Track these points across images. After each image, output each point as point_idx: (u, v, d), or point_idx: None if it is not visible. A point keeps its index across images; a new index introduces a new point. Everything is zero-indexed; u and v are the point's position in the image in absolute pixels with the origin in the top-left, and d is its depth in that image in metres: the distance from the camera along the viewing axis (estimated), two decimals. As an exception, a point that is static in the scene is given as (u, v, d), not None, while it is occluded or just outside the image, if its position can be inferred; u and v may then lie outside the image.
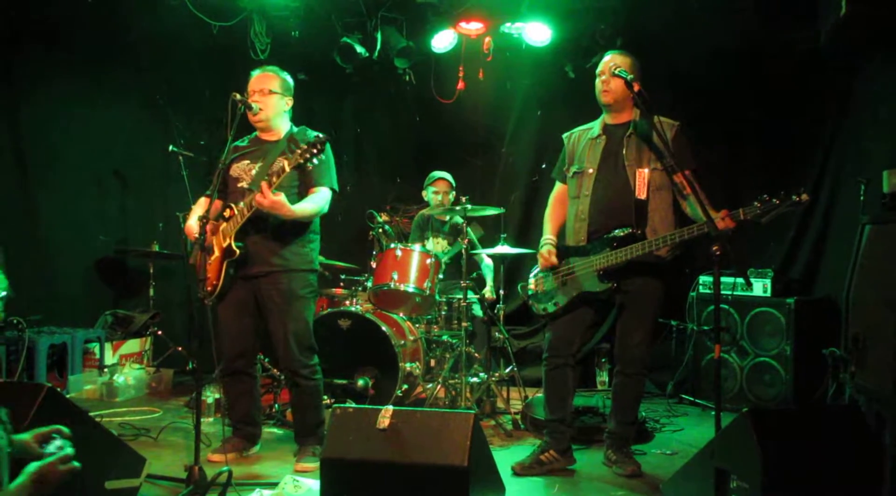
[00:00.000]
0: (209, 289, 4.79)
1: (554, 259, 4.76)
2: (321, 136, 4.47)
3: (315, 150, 4.40)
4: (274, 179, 4.48)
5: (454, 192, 6.99)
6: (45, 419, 3.31)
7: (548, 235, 4.90)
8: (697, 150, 4.69)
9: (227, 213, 4.75)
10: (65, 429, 2.71)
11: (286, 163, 4.47)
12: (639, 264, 4.50)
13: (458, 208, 5.85)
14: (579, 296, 4.65)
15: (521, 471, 4.67)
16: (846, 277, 5.26)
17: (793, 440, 3.44)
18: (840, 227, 6.26)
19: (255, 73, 4.95)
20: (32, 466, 2.45)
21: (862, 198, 5.54)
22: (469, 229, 5.94)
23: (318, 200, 4.79)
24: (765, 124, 6.95)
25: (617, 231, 4.53)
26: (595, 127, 4.83)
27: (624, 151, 4.62)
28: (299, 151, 4.42)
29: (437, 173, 7.03)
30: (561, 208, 4.94)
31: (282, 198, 4.49)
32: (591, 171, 4.70)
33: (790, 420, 3.66)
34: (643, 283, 4.61)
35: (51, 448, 2.66)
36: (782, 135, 6.85)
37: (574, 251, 4.72)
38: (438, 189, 6.96)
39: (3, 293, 2.30)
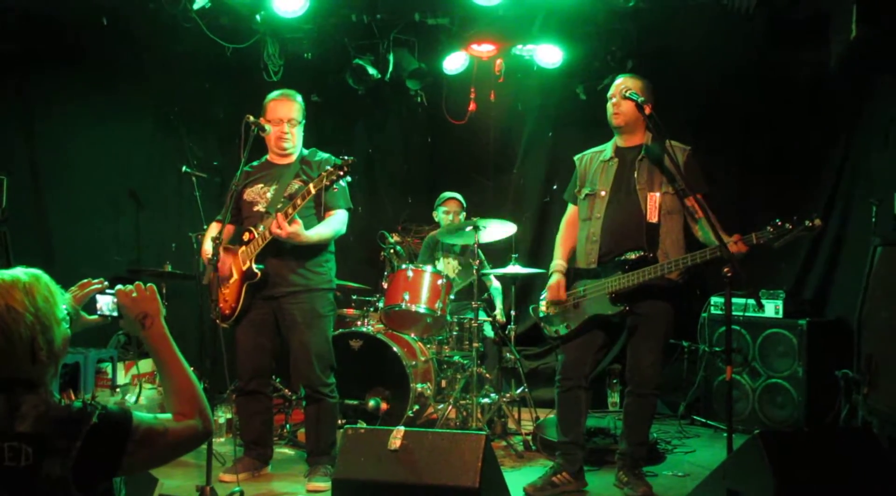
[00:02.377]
0: (228, 312, 4.83)
1: (563, 293, 4.77)
2: (347, 158, 4.50)
3: (342, 173, 4.45)
4: (298, 202, 4.53)
5: (465, 213, 7.02)
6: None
7: (558, 261, 4.91)
8: (708, 172, 4.70)
9: (245, 237, 4.79)
10: (96, 285, 2.62)
11: (311, 185, 4.51)
12: (650, 287, 4.51)
13: (468, 229, 5.86)
14: (591, 319, 4.66)
15: (533, 492, 4.66)
16: (858, 298, 5.26)
17: (805, 462, 3.43)
18: (852, 248, 6.24)
19: (276, 99, 4.98)
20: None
21: (874, 219, 5.53)
22: (480, 251, 5.95)
23: (335, 223, 4.86)
24: (776, 145, 6.95)
25: (629, 254, 4.54)
26: (607, 149, 4.84)
27: (636, 174, 4.64)
28: (325, 174, 4.46)
29: (448, 193, 7.06)
30: (573, 231, 4.95)
31: (298, 228, 4.56)
32: (603, 193, 4.72)
33: (803, 442, 3.66)
34: (654, 306, 4.61)
35: (104, 311, 2.59)
36: (794, 156, 6.85)
37: (585, 274, 4.72)
38: (449, 209, 6.99)
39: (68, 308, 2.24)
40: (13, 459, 2.01)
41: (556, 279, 4.84)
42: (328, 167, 4.51)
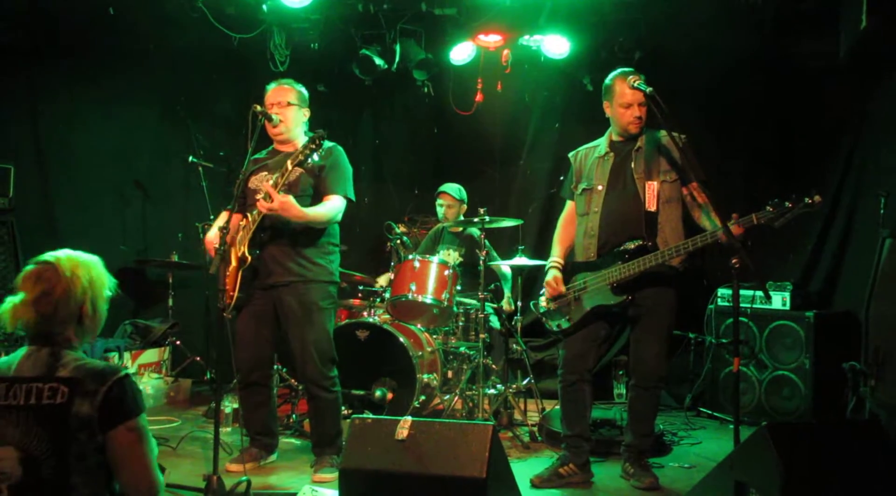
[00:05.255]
0: (227, 300, 4.80)
1: (562, 288, 4.76)
2: (319, 131, 4.51)
3: (314, 146, 4.48)
4: (280, 180, 4.53)
5: (464, 205, 7.00)
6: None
7: (555, 259, 4.89)
8: (715, 163, 4.68)
9: (242, 223, 4.77)
10: None
11: (288, 162, 4.56)
12: (652, 276, 4.49)
13: (475, 220, 5.86)
14: (593, 311, 4.64)
15: (539, 483, 4.66)
16: (866, 291, 5.24)
17: (813, 454, 3.43)
18: (859, 240, 6.22)
19: (272, 87, 4.99)
20: None
21: (882, 211, 5.52)
22: (479, 236, 5.94)
23: (330, 208, 4.80)
24: (784, 136, 6.94)
25: (628, 243, 4.52)
26: (602, 144, 4.82)
27: (633, 165, 4.62)
28: (299, 150, 4.50)
29: (443, 186, 7.06)
30: (570, 228, 4.93)
31: (290, 199, 4.52)
32: (599, 187, 4.69)
33: (810, 434, 3.64)
34: (656, 295, 4.60)
35: None
36: (802, 147, 6.83)
37: (585, 267, 4.71)
38: (442, 202, 7.02)
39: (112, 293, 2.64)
40: (51, 397, 2.42)
41: (552, 275, 4.83)
42: (303, 144, 4.56)
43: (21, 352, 2.55)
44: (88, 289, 2.61)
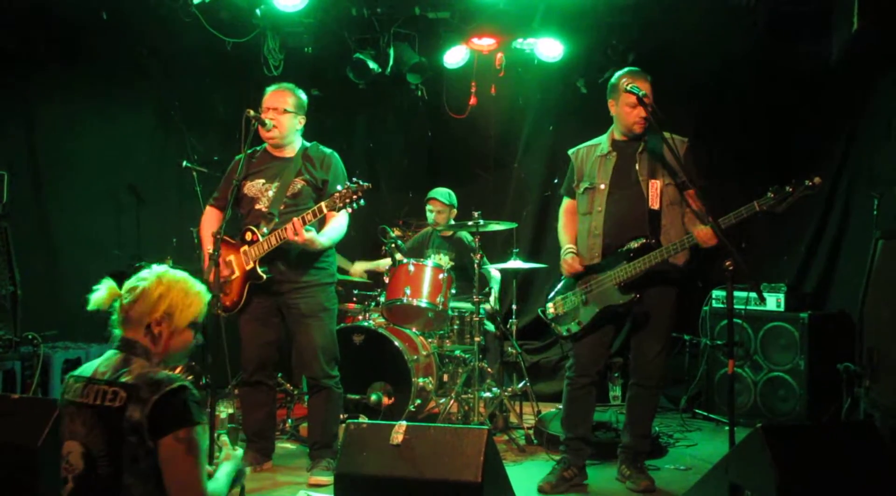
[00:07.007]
0: (229, 305, 4.84)
1: (578, 265, 4.72)
2: (363, 183, 4.50)
3: (356, 196, 4.46)
4: (309, 217, 4.56)
5: (454, 209, 7.00)
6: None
7: (568, 245, 4.86)
8: (708, 164, 4.69)
9: (248, 236, 4.78)
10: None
11: (324, 205, 4.54)
12: (657, 275, 4.51)
13: (469, 223, 5.85)
14: (602, 313, 4.64)
15: (550, 489, 4.66)
16: (860, 292, 5.25)
17: (807, 456, 3.43)
18: (853, 241, 6.23)
19: (270, 90, 4.98)
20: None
21: (875, 212, 5.53)
22: (470, 238, 5.94)
23: (339, 227, 4.91)
24: (777, 138, 6.94)
25: (631, 242, 4.52)
26: (603, 143, 4.80)
27: (637, 166, 4.62)
28: (338, 195, 4.47)
29: (432, 192, 7.06)
30: (573, 217, 4.92)
31: (313, 235, 4.62)
32: (602, 186, 4.69)
33: (805, 435, 3.65)
34: (660, 295, 4.62)
35: None
36: (795, 149, 6.84)
37: (590, 269, 4.70)
38: (432, 208, 7.02)
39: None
40: (111, 400, 2.59)
41: (570, 255, 4.78)
42: (340, 187, 4.51)
43: (106, 355, 2.78)
44: (165, 298, 2.78)
